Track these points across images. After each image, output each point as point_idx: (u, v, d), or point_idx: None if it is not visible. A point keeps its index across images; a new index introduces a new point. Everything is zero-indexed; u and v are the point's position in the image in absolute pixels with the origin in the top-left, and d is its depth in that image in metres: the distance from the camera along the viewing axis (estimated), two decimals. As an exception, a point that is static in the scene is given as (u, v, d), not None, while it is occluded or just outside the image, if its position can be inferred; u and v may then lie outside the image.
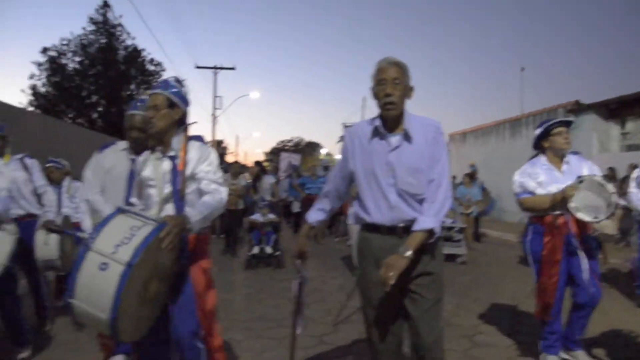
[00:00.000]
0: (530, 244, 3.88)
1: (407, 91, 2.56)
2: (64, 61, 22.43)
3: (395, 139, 2.56)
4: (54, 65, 22.10)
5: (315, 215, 2.88)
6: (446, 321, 4.86)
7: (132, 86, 23.62)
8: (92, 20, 22.87)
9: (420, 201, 2.54)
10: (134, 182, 2.99)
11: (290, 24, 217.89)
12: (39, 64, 22.08)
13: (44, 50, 22.15)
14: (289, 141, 77.61)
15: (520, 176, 3.93)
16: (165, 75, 24.97)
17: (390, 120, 2.56)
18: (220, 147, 43.05)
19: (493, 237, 13.06)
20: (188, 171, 2.80)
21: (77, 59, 22.63)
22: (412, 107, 2.62)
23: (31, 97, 21.96)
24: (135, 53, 23.49)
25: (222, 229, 11.06)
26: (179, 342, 2.73)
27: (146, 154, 2.93)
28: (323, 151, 74.00)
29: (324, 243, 11.56)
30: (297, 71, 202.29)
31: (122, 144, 3.73)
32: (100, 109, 23.13)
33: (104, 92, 22.56)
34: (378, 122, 2.58)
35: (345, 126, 20.89)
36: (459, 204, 10.98)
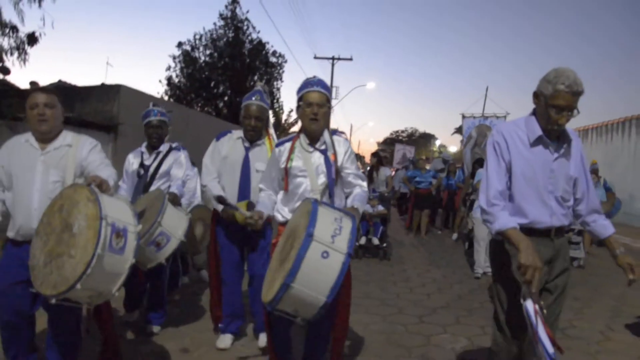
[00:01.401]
0: None
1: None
2: (196, 54, 24.35)
3: (556, 147, 2.60)
4: (187, 58, 24.07)
5: (510, 219, 2.53)
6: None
7: (256, 77, 25.04)
8: (222, 16, 24.51)
9: (568, 207, 2.66)
10: (267, 173, 3.22)
11: (408, 14, 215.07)
12: (174, 57, 24.17)
13: (179, 45, 24.21)
14: (403, 131, 77.18)
15: None
16: (286, 66, 26.22)
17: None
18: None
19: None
20: (338, 164, 3.02)
21: (208, 52, 24.42)
22: (529, 102, 2.62)
23: (167, 87, 24.11)
24: (259, 46, 24.85)
25: None
26: (316, 331, 3.09)
27: (287, 145, 3.10)
28: (437, 142, 72.93)
29: (428, 238, 11.74)
30: (413, 63, 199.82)
31: (238, 133, 3.99)
32: (226, 98, 24.78)
33: (230, 82, 24.17)
34: (540, 132, 2.57)
35: (464, 117, 20.49)
36: None
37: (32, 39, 11.50)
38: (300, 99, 3.01)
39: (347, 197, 3.11)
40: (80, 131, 8.85)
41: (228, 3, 24.56)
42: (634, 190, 15.81)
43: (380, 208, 9.07)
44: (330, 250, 2.39)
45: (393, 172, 19.34)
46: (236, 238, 3.91)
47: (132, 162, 4.47)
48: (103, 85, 10.84)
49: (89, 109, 9.97)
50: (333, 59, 31.77)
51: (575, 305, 5.70)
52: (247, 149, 3.90)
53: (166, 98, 23.18)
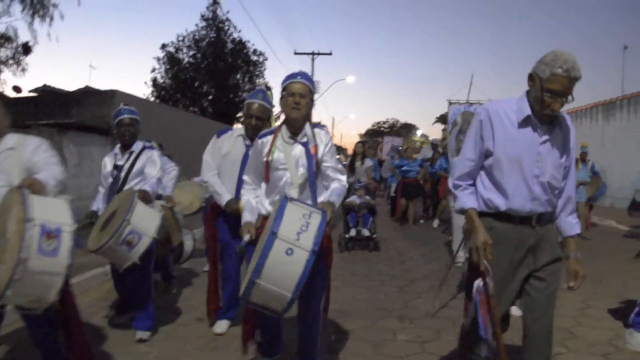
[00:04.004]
0: None
1: None
2: (180, 55, 24.98)
3: (546, 129, 2.46)
4: (171, 59, 24.71)
5: (472, 199, 2.60)
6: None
7: (238, 76, 25.73)
8: (203, 17, 25.23)
9: (555, 195, 2.54)
10: (251, 164, 3.24)
11: (386, 4, 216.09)
12: (158, 59, 24.77)
13: (163, 46, 24.83)
14: (384, 123, 77.75)
15: None
16: (267, 64, 26.89)
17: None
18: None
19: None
20: (318, 156, 3.04)
21: (191, 53, 25.11)
22: (513, 89, 3.48)
23: (152, 89, 24.71)
24: (240, 45, 25.56)
25: None
26: (306, 314, 3.05)
27: (269, 138, 3.10)
28: (418, 133, 73.76)
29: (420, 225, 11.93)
30: (392, 54, 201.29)
31: (239, 130, 4.05)
32: (210, 97, 25.43)
33: (214, 82, 24.83)
34: (529, 111, 2.43)
35: (451, 103, 20.82)
36: None
37: (27, 49, 12.19)
38: (283, 90, 3.04)
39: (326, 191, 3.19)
40: (80, 135, 9.53)
41: (209, 4, 25.20)
42: (601, 173, 16.69)
43: (368, 198, 9.05)
44: (294, 247, 2.44)
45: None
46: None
47: (107, 164, 4.40)
48: (98, 90, 11.50)
49: (86, 113, 10.58)
50: (313, 54, 32.47)
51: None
52: (247, 147, 3.96)
53: (152, 99, 23.75)
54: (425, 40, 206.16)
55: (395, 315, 4.81)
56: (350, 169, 10.27)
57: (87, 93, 11.57)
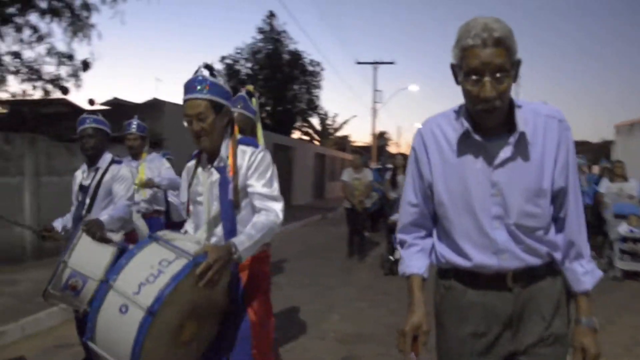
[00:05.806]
0: None
1: (515, 78, 1.58)
2: (237, 67, 25.56)
3: (500, 145, 1.62)
4: (229, 71, 25.28)
5: (418, 261, 1.81)
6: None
7: (296, 86, 26.03)
8: (260, 30, 25.71)
9: (539, 239, 1.67)
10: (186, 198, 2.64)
11: (446, 15, 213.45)
12: (218, 71, 25.36)
13: (222, 59, 25.51)
14: (451, 132, 76.54)
15: None
16: (325, 74, 27.02)
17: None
18: (382, 138, 44.39)
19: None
20: (239, 181, 2.36)
21: (249, 64, 25.64)
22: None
23: (212, 100, 25.37)
24: (297, 56, 25.86)
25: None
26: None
27: (191, 163, 2.54)
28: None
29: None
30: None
31: None
32: (268, 108, 25.81)
33: (272, 93, 25.18)
34: (467, 124, 1.63)
35: None
36: None
37: (86, 65, 12.73)
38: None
39: None
40: (115, 148, 9.80)
41: (266, 17, 25.67)
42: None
43: None
44: (129, 303, 1.89)
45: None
46: None
47: (76, 181, 3.72)
48: (153, 102, 11.91)
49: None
50: (375, 63, 32.19)
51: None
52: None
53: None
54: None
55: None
56: (392, 184, 9.37)
57: (142, 105, 12.08)
